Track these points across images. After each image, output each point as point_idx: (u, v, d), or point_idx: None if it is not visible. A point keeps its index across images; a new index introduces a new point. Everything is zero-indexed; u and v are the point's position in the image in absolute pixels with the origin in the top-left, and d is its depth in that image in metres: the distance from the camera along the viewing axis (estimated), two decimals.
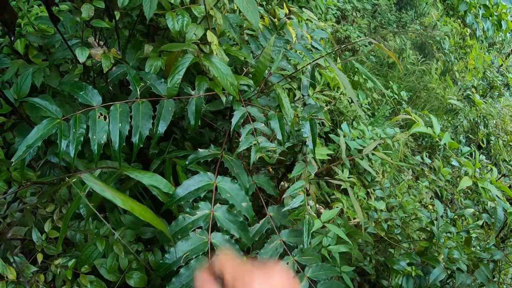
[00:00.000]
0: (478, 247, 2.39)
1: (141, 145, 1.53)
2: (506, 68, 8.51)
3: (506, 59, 8.73)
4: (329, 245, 2.27)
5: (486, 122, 6.95)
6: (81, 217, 2.34)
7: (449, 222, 2.56)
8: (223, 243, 1.46)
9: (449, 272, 2.26)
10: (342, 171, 2.74)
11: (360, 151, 3.30)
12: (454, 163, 2.39)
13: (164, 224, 1.45)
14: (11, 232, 2.33)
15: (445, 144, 2.50)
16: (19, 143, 1.86)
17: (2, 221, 2.38)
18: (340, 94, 4.88)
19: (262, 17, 2.61)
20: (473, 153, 2.63)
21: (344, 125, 3.91)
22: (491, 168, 2.25)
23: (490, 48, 9.61)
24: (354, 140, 3.87)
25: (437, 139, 2.24)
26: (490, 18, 7.82)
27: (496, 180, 2.30)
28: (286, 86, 2.62)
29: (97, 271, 2.26)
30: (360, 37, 7.14)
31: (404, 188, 3.58)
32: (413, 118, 2.31)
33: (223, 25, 1.85)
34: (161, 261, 1.40)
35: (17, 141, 2.08)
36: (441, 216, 2.46)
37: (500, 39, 9.81)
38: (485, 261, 2.09)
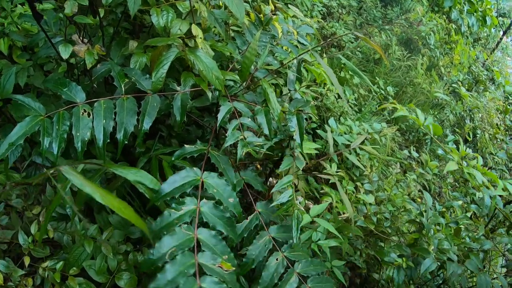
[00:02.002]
0: (467, 238, 2.40)
1: (126, 142, 1.51)
2: (491, 63, 8.58)
3: (491, 54, 8.81)
4: (319, 239, 2.26)
5: (472, 116, 7.01)
6: (68, 218, 2.32)
7: (438, 214, 2.57)
8: (209, 239, 1.44)
9: (439, 263, 2.26)
10: (330, 166, 2.74)
11: (347, 146, 3.30)
12: (440, 151, 2.40)
13: (144, 222, 1.43)
14: None
15: (431, 138, 2.50)
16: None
17: None
18: (326, 90, 4.88)
19: (248, 13, 2.60)
20: (459, 142, 2.64)
21: (331, 121, 3.91)
22: (476, 157, 2.26)
23: (475, 44, 9.70)
24: (341, 135, 3.87)
25: (421, 125, 2.24)
26: (474, 14, 7.87)
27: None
28: (272, 82, 2.61)
29: (86, 273, 2.23)
30: (346, 34, 7.16)
31: (392, 181, 3.59)
32: (397, 107, 2.32)
33: (209, 20, 1.83)
34: (145, 257, 1.38)
35: (1, 142, 2.05)
36: (430, 208, 2.47)
37: (485, 34, 9.91)
38: (475, 251, 2.09)
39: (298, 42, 2.66)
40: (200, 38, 1.68)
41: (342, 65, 5.99)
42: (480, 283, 1.89)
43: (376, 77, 6.66)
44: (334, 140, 3.49)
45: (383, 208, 2.86)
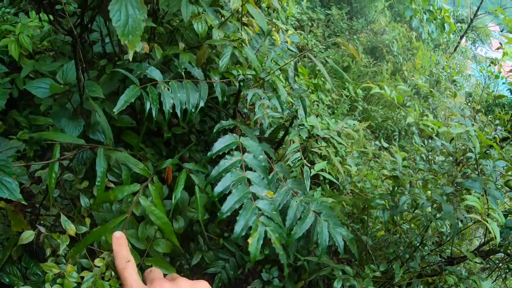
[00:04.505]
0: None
1: (193, 110, 2.13)
2: (450, 65, 9.25)
3: (449, 57, 9.52)
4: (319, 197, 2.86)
5: (436, 113, 7.69)
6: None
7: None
8: (255, 178, 2.08)
9: (411, 203, 2.89)
10: (320, 143, 3.33)
11: (325, 139, 3.89)
12: (403, 113, 3.01)
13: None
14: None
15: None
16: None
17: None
18: None
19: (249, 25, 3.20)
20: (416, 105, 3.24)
21: (312, 117, 4.52)
22: (427, 115, 2.84)
23: (436, 49, 10.44)
24: (322, 130, 4.49)
25: (388, 96, 2.81)
26: (434, 21, 8.49)
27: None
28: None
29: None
30: (317, 45, 7.80)
31: (369, 158, 4.19)
32: (371, 86, 2.90)
33: (243, 32, 2.45)
34: (214, 191, 1.98)
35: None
36: (402, 166, 3.10)
37: (445, 40, 10.65)
38: (439, 194, 2.69)
39: (288, 49, 3.28)
40: (246, 40, 2.29)
41: (318, 71, 6.62)
42: (445, 210, 2.49)
43: (346, 83, 7.31)
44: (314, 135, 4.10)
45: (364, 178, 3.47)
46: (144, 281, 0.99)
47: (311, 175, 2.47)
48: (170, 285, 0.93)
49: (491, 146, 2.74)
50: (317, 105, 6.18)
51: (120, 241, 1.04)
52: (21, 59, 3.10)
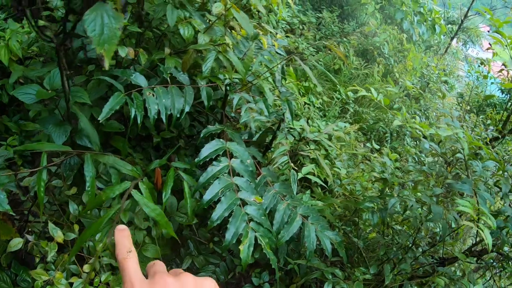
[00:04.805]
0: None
1: (178, 115, 2.12)
2: (440, 66, 9.27)
3: (440, 58, 9.54)
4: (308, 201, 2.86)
5: (427, 114, 7.70)
6: None
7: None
8: (243, 183, 2.09)
9: (402, 204, 2.90)
10: (309, 146, 3.34)
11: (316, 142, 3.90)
12: (390, 116, 3.02)
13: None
14: None
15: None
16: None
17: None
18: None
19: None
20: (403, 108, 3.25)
21: (302, 121, 4.52)
22: (415, 116, 2.86)
23: (428, 50, 10.46)
24: (312, 133, 4.49)
25: (374, 99, 2.82)
26: (425, 23, 8.54)
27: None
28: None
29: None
30: (308, 48, 7.80)
31: (359, 160, 4.20)
32: (358, 89, 2.91)
33: (228, 36, 2.45)
34: (203, 198, 1.99)
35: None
36: (390, 167, 3.11)
37: (436, 41, 10.69)
38: (428, 196, 2.69)
39: (276, 52, 3.28)
40: (231, 45, 2.30)
41: (307, 76, 6.60)
42: (435, 212, 2.49)
43: (337, 85, 7.30)
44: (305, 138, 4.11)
45: (354, 181, 3.48)
46: (146, 274, 0.93)
47: (298, 178, 2.47)
48: (173, 280, 0.87)
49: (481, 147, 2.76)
50: (308, 107, 6.18)
51: (123, 233, 0.93)
52: (11, 64, 3.07)
